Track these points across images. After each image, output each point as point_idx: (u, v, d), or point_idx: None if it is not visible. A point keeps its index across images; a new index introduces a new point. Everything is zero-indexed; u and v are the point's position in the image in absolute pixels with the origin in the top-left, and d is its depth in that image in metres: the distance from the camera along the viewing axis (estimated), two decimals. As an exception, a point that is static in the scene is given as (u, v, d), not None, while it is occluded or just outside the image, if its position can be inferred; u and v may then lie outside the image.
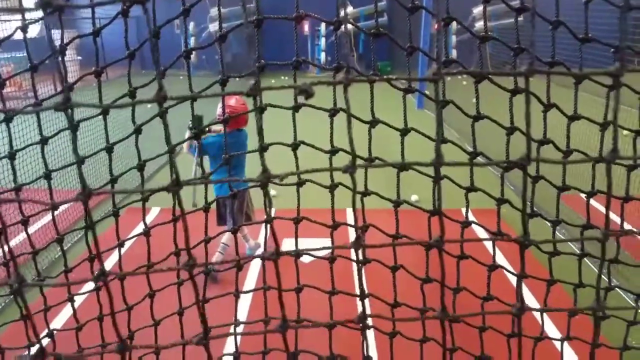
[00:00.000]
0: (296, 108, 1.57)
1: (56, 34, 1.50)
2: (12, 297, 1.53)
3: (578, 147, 1.83)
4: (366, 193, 1.71)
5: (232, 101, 3.73)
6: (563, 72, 1.15)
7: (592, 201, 1.86)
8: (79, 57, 13.41)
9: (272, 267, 1.14)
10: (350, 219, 5.25)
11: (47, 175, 1.65)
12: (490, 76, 1.63)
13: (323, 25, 15.78)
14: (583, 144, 1.84)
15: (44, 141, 1.61)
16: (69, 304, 1.77)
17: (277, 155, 1.79)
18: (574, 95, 1.77)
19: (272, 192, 1.47)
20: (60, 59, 1.47)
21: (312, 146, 1.64)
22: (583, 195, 1.91)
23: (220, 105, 3.82)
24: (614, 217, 1.67)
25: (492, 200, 1.84)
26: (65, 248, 1.83)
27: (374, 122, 1.60)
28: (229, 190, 3.99)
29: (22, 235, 1.76)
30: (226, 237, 4.13)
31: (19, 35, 1.72)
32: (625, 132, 1.96)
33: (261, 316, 1.77)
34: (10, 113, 1.09)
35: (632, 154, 1.70)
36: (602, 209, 1.44)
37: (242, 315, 3.53)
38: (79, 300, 1.90)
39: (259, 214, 4.39)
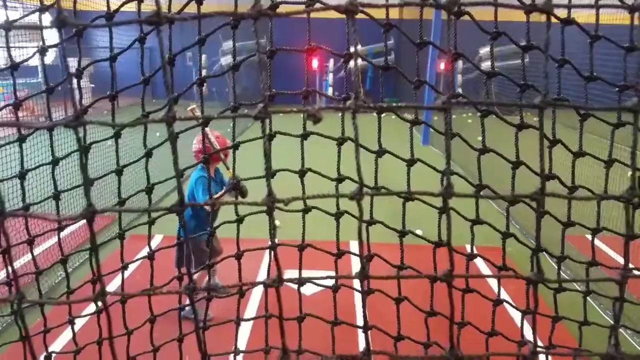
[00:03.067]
0: (304, 136, 1.59)
1: (71, 61, 1.54)
2: (12, 317, 1.52)
3: (582, 188, 1.82)
4: (372, 222, 1.71)
5: (211, 137, 3.60)
6: (578, 106, 1.15)
7: (596, 241, 1.84)
8: (92, 85, 13.65)
9: (274, 294, 1.13)
10: (354, 251, 5.19)
11: (56, 196, 1.66)
12: (497, 112, 1.65)
13: (331, 61, 16.09)
14: (587, 184, 1.84)
15: (54, 162, 1.63)
16: (69, 327, 1.75)
17: (282, 184, 1.81)
18: (579, 134, 1.78)
19: (276, 222, 1.49)
20: (75, 82, 1.51)
21: (319, 174, 1.65)
22: (588, 236, 1.89)
23: (196, 140, 3.58)
24: (617, 257, 1.66)
25: (496, 238, 1.83)
26: (69, 271, 1.82)
27: (380, 152, 1.62)
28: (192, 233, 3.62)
29: (26, 257, 1.76)
30: (199, 282, 3.97)
31: (33, 62, 1.76)
32: (630, 172, 1.96)
33: (261, 345, 1.75)
34: (25, 127, 1.12)
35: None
36: (606, 249, 1.45)
37: (241, 344, 3.46)
38: (79, 323, 1.87)
39: (256, 244, 4.34)
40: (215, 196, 3.46)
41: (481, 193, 1.73)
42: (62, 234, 1.75)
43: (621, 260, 1.82)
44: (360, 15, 1.04)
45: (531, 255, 1.74)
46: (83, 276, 3.91)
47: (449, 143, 0.90)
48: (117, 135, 1.60)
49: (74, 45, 1.49)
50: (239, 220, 1.66)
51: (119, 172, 1.70)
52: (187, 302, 3.47)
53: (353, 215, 1.63)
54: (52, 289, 4.24)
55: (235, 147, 1.72)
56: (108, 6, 1.49)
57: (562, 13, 1.55)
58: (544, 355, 1.91)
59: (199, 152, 3.66)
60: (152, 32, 1.01)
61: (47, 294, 4.03)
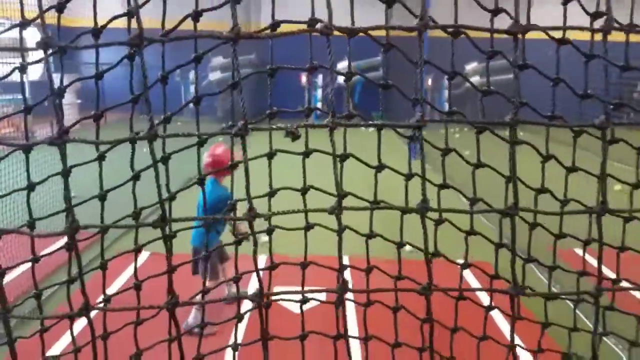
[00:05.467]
0: (306, 154, 1.58)
1: (57, 77, 1.53)
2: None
3: (574, 203, 1.84)
4: (371, 236, 1.69)
5: (219, 150, 3.68)
6: (545, 123, 1.17)
7: (587, 256, 1.86)
8: (79, 101, 13.58)
9: (265, 314, 1.12)
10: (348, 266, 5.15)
11: (31, 225, 1.63)
12: (480, 126, 1.66)
13: (320, 76, 16.21)
14: (581, 199, 1.86)
15: (30, 187, 1.59)
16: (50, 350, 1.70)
17: (282, 200, 1.80)
18: (573, 149, 1.79)
19: (264, 238, 1.47)
20: (58, 100, 1.48)
21: (323, 191, 1.62)
22: (577, 250, 1.90)
23: (206, 154, 3.78)
24: (607, 271, 1.68)
25: (487, 253, 1.84)
26: (50, 293, 1.78)
27: (380, 167, 1.61)
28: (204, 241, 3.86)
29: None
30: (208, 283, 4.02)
31: (18, 77, 1.74)
32: (616, 187, 1.99)
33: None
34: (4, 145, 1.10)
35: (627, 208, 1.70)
36: (594, 263, 1.47)
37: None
38: (63, 347, 1.82)
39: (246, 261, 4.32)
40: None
41: (465, 208, 1.74)
42: (42, 253, 1.73)
43: (610, 273, 1.84)
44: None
45: (511, 268, 1.75)
46: (58, 304, 3.73)
47: (424, 161, 0.91)
48: (101, 158, 1.58)
49: (58, 61, 1.48)
50: (238, 242, 1.65)
51: (102, 197, 1.67)
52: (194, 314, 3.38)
53: (354, 230, 1.62)
54: (33, 312, 4.11)
55: (234, 166, 1.69)
56: (95, 23, 1.48)
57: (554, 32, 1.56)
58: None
59: (208, 166, 3.73)
60: (144, 48, 1.01)
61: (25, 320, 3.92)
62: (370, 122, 0.98)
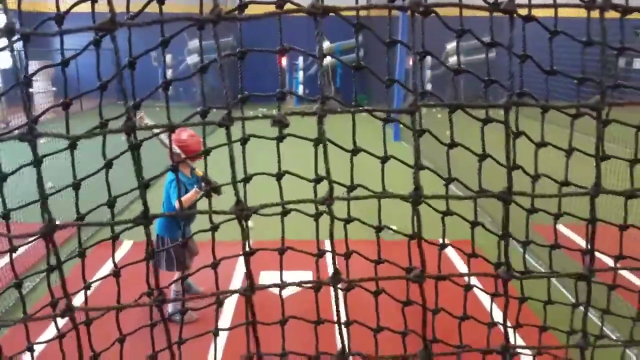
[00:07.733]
0: (280, 138, 1.56)
1: (32, 64, 1.48)
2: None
3: (545, 177, 1.87)
4: (349, 220, 1.70)
5: (183, 135, 3.47)
6: (545, 105, 1.17)
7: (563, 229, 1.89)
8: (54, 88, 13.28)
9: (250, 301, 1.11)
10: (329, 250, 5.18)
11: (6, 215, 1.58)
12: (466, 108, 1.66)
13: (301, 58, 16.03)
14: (551, 174, 1.89)
15: (2, 178, 1.56)
16: (26, 354, 1.67)
17: (259, 186, 1.78)
18: (541, 124, 1.82)
19: (250, 223, 1.47)
20: (25, 89, 1.43)
21: (298, 175, 1.62)
22: (558, 227, 1.92)
23: (172, 138, 3.58)
24: (583, 243, 1.71)
25: (467, 232, 1.85)
26: (30, 288, 1.75)
27: (355, 151, 1.60)
28: (172, 233, 3.74)
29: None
30: (176, 284, 3.81)
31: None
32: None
33: (237, 357, 1.71)
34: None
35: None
36: (574, 237, 1.48)
37: (218, 353, 3.41)
38: (37, 350, 1.79)
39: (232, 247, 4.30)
40: (187, 195, 3.40)
41: (450, 190, 1.76)
42: (20, 250, 1.68)
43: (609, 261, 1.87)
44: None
45: (505, 253, 1.77)
46: (40, 298, 3.62)
47: (418, 146, 0.90)
48: (72, 147, 1.53)
49: (34, 48, 1.44)
50: (214, 228, 1.61)
51: (76, 185, 1.63)
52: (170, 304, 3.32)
53: (332, 215, 1.63)
54: (6, 314, 3.80)
55: (207, 152, 1.67)
56: (58, 7, 1.42)
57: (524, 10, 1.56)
58: (512, 335, 1.94)
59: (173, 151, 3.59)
60: (108, 34, 0.97)
61: (5, 315, 3.69)
62: (360, 108, 0.96)
